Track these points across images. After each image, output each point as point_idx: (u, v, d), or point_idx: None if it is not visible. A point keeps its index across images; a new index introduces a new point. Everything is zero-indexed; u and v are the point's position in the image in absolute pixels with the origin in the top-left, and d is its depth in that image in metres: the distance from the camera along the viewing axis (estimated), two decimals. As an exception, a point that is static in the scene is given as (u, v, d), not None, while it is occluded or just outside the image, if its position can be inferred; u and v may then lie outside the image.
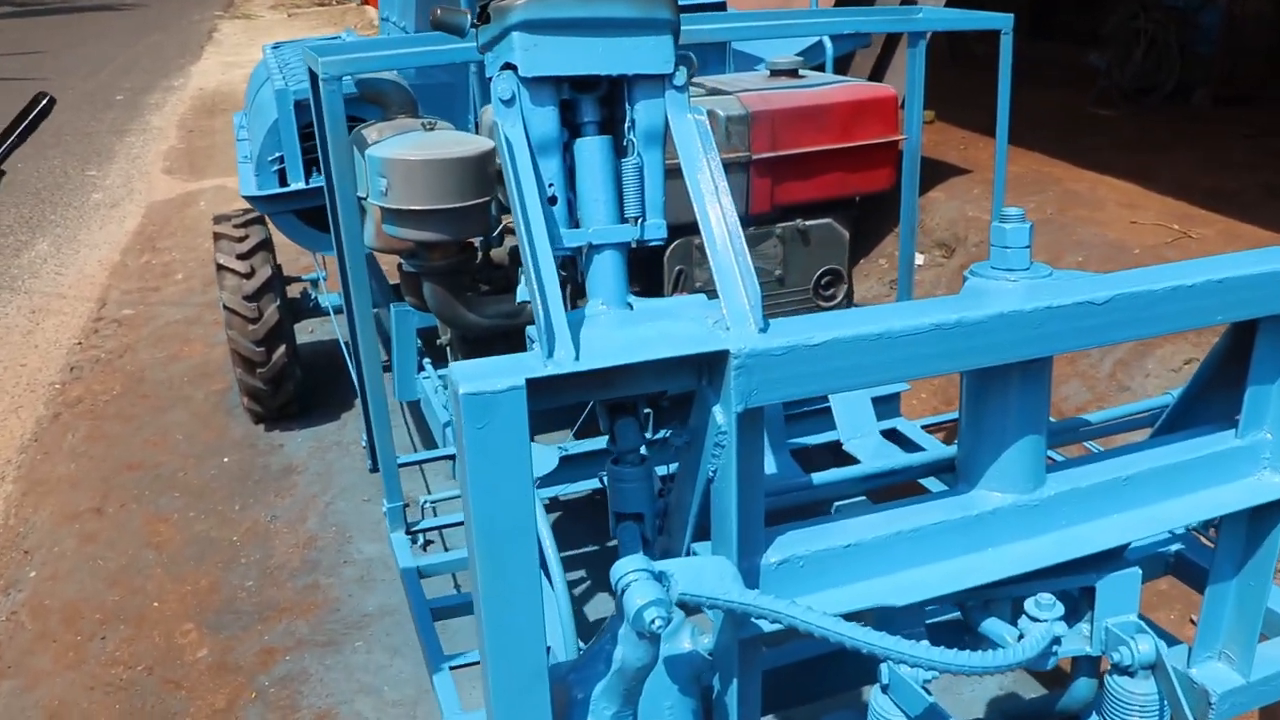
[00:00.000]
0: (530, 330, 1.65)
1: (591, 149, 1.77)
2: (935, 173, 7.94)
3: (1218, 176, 7.36)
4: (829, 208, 3.26)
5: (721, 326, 1.64)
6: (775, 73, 3.40)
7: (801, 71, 3.41)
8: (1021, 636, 1.98)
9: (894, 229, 6.54)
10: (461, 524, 3.54)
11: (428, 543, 3.53)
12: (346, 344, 5.45)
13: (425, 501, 3.54)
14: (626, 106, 1.77)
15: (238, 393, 5.81)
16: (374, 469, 3.54)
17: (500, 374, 1.45)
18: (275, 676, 3.83)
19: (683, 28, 1.84)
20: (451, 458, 3.69)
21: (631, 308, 1.75)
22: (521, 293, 2.44)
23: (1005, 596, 2.10)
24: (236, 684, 3.81)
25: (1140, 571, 2.08)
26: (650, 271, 3.22)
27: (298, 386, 5.50)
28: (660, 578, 1.54)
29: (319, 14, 27.15)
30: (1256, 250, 2.01)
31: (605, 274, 1.76)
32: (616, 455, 1.79)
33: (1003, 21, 3.35)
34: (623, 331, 1.62)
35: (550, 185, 1.74)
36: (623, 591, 1.53)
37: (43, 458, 5.54)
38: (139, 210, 10.08)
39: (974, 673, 1.70)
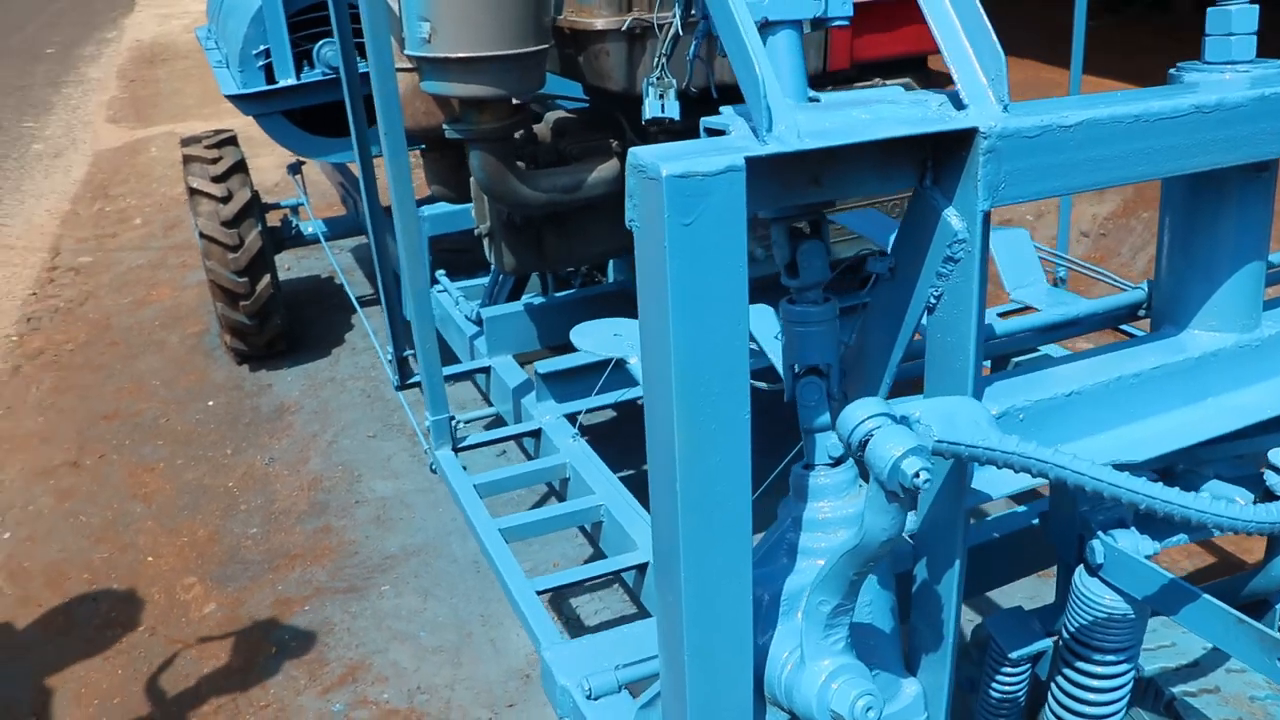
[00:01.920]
0: (711, 122, 1.28)
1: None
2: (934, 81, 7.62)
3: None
4: (908, 66, 2.91)
5: (949, 107, 1.28)
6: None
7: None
8: (1261, 497, 1.69)
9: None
10: (500, 441, 3.19)
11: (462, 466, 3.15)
12: (344, 273, 5.05)
13: (456, 422, 3.16)
14: None
15: (216, 334, 5.38)
16: (402, 385, 3.16)
17: (709, 153, 1.09)
18: (296, 629, 3.44)
19: None
20: (485, 371, 3.31)
21: (819, 100, 1.39)
22: (652, 107, 2.08)
23: (1215, 457, 1.79)
24: (253, 639, 3.42)
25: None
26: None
27: (284, 321, 5.06)
28: (904, 422, 1.20)
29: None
30: None
31: (781, 59, 1.39)
32: (796, 292, 1.43)
33: None
34: (833, 115, 1.26)
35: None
36: (864, 443, 1.18)
37: (5, 413, 5.07)
38: (85, 159, 9.47)
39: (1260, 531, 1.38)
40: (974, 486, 1.42)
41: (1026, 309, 2.05)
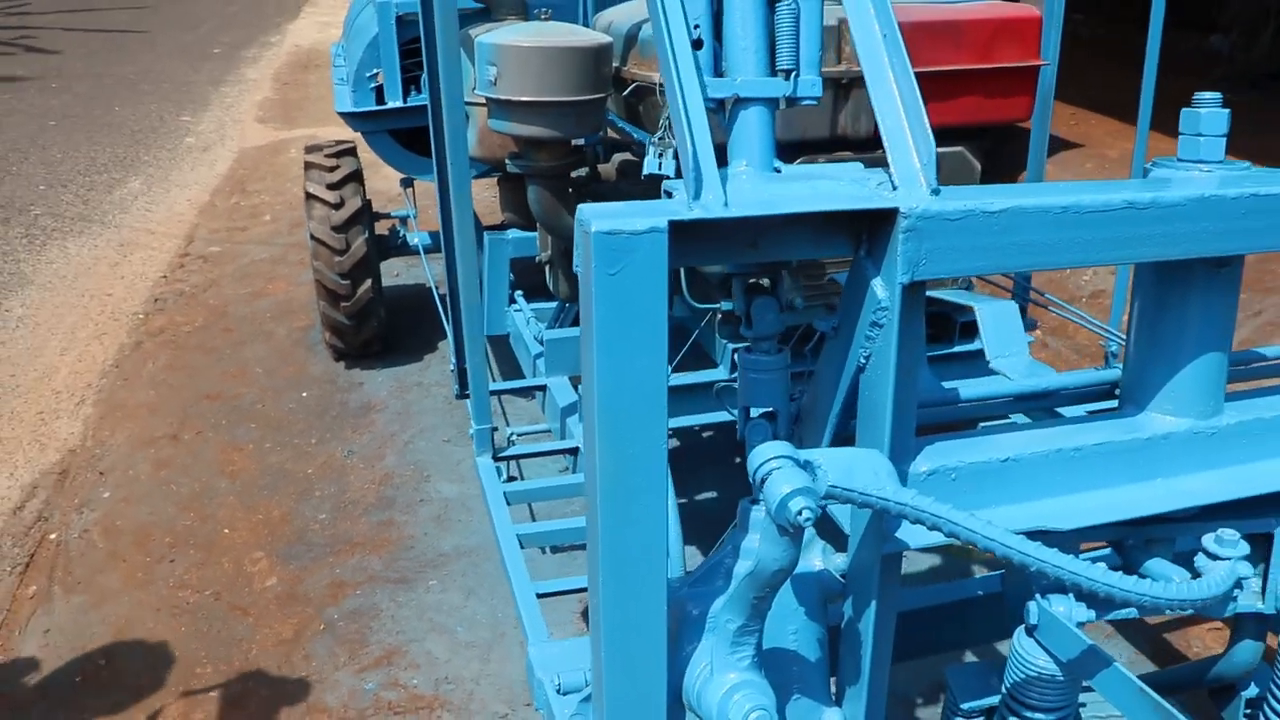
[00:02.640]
0: (668, 185, 1.44)
1: (743, -4, 1.56)
2: (1049, 147, 7.61)
3: (1354, 161, 6.93)
4: (962, 135, 3.01)
5: (887, 187, 1.42)
6: (908, -12, 3.16)
7: (938, -12, 3.17)
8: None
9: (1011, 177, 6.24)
10: (546, 454, 3.39)
11: (510, 477, 3.36)
12: (436, 286, 5.32)
13: (511, 434, 3.36)
14: (782, -59, 1.56)
15: (319, 330, 5.71)
16: (461, 394, 3.37)
17: (639, 215, 1.25)
18: (345, 610, 3.69)
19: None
20: (542, 388, 3.51)
21: (778, 172, 1.55)
22: (650, 164, 2.26)
23: (1169, 536, 1.86)
24: (305, 615, 3.68)
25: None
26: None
27: (381, 325, 5.37)
28: (806, 466, 1.34)
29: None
30: None
31: (750, 133, 1.55)
32: (751, 342, 1.58)
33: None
34: (774, 186, 1.41)
35: (696, 26, 1.54)
36: (763, 480, 1.32)
37: (122, 383, 5.49)
38: (230, 155, 10.08)
39: (1155, 605, 1.47)
40: (898, 536, 1.54)
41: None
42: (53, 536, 4.21)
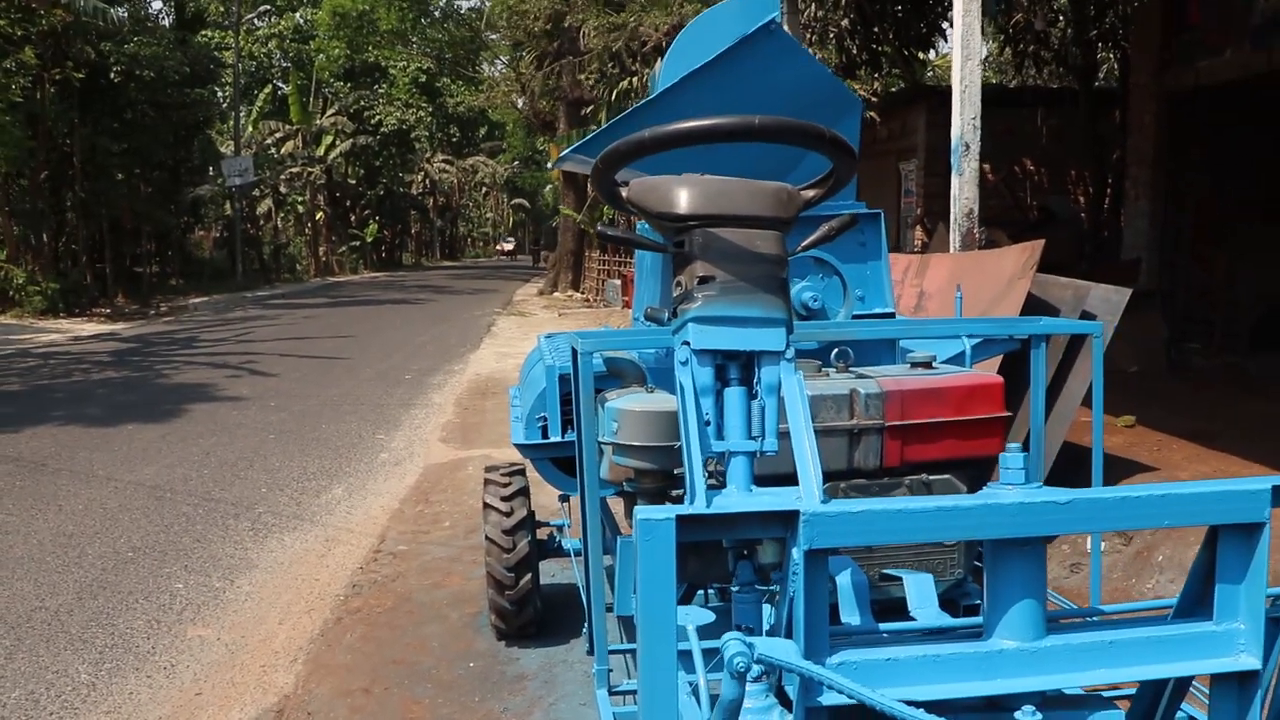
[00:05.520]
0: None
1: (734, 395, 2.90)
2: (1123, 470, 8.59)
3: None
4: (949, 466, 4.21)
5: (799, 499, 2.68)
6: (914, 364, 4.49)
7: (935, 363, 4.48)
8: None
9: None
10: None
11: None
12: (583, 584, 6.61)
13: (625, 683, 4.51)
14: (756, 370, 2.91)
15: (486, 614, 6.99)
16: (590, 651, 4.58)
17: (663, 512, 2.54)
18: (493, 822, 4.77)
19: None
20: (648, 649, 4.67)
21: (752, 490, 2.82)
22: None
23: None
24: (463, 825, 4.77)
25: (1122, 713, 2.84)
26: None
27: (537, 612, 6.63)
28: (748, 645, 2.53)
29: (586, 314, 30.37)
30: (1215, 480, 2.84)
31: (738, 471, 2.84)
32: (739, 585, 2.81)
33: (1093, 328, 4.33)
34: (745, 499, 2.68)
35: (706, 414, 2.88)
36: (724, 649, 2.51)
37: (326, 648, 6.85)
38: (417, 469, 11.85)
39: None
40: (819, 699, 2.68)
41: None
42: (272, 762, 5.46)
